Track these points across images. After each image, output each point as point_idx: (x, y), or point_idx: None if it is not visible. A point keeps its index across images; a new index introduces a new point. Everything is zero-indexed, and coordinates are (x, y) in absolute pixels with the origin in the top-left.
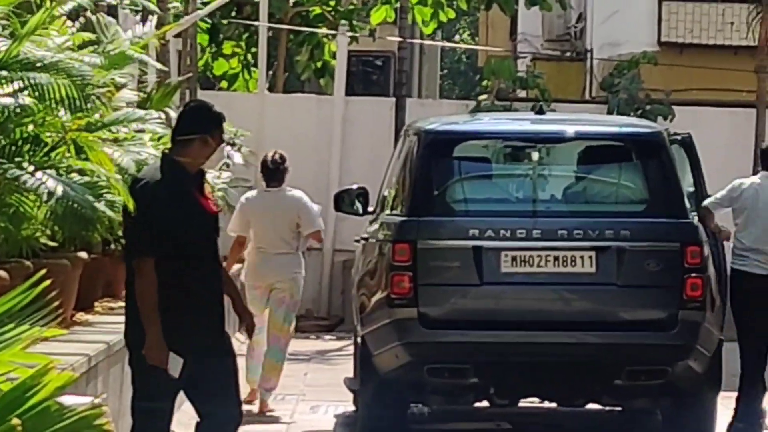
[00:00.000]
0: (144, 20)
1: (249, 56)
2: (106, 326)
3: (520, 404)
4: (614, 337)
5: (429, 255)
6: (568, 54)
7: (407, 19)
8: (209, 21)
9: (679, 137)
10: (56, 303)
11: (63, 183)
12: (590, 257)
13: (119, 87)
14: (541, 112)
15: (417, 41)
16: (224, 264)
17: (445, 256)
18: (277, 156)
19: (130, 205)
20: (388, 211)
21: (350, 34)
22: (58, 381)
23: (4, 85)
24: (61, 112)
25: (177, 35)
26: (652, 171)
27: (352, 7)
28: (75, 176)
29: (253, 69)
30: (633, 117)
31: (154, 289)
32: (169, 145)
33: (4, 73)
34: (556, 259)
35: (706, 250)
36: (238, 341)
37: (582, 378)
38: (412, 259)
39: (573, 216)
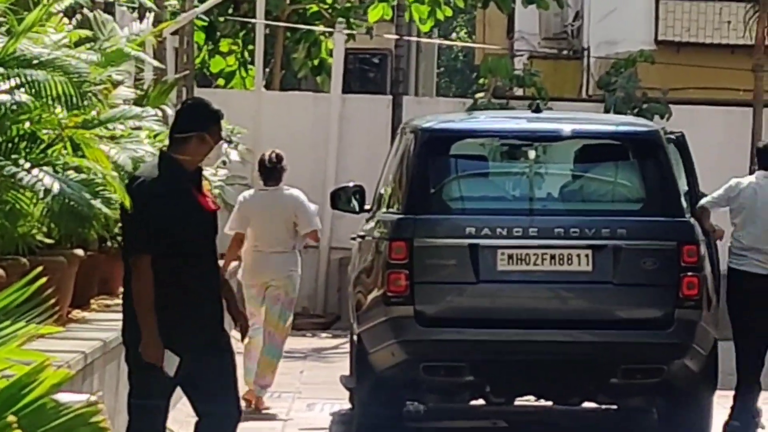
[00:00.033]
0: (141, 17)
1: (246, 54)
2: (102, 323)
3: (516, 402)
4: (610, 336)
5: (425, 253)
6: (565, 52)
7: (404, 17)
8: (206, 18)
9: (672, 136)
10: (52, 300)
11: (59, 180)
12: (587, 256)
13: (116, 84)
14: (537, 110)
15: (414, 39)
16: (221, 261)
17: (442, 254)
18: (274, 155)
19: (127, 203)
20: (384, 209)
21: (347, 31)
22: (54, 378)
23: (1, 82)
24: (58, 110)
25: (174, 33)
26: (648, 170)
27: (349, 4)
28: (71, 173)
29: (250, 66)
30: (630, 115)
31: (150, 287)
32: (166, 143)
33: (1, 70)
34: (552, 257)
35: (703, 249)
36: (235, 339)
37: (578, 376)
38: (409, 256)
39: (569, 214)
